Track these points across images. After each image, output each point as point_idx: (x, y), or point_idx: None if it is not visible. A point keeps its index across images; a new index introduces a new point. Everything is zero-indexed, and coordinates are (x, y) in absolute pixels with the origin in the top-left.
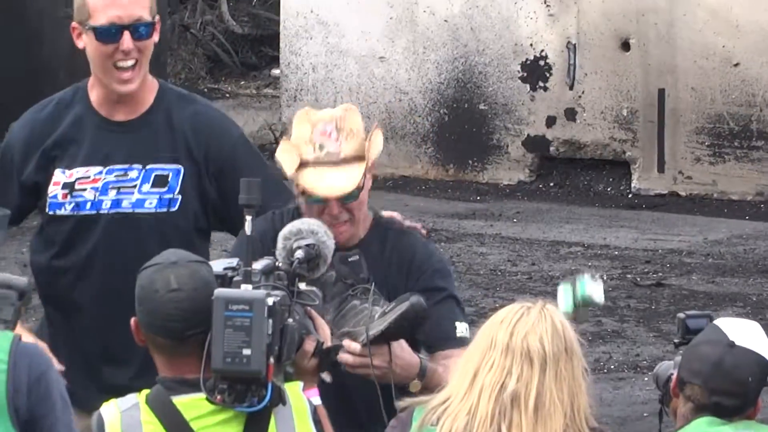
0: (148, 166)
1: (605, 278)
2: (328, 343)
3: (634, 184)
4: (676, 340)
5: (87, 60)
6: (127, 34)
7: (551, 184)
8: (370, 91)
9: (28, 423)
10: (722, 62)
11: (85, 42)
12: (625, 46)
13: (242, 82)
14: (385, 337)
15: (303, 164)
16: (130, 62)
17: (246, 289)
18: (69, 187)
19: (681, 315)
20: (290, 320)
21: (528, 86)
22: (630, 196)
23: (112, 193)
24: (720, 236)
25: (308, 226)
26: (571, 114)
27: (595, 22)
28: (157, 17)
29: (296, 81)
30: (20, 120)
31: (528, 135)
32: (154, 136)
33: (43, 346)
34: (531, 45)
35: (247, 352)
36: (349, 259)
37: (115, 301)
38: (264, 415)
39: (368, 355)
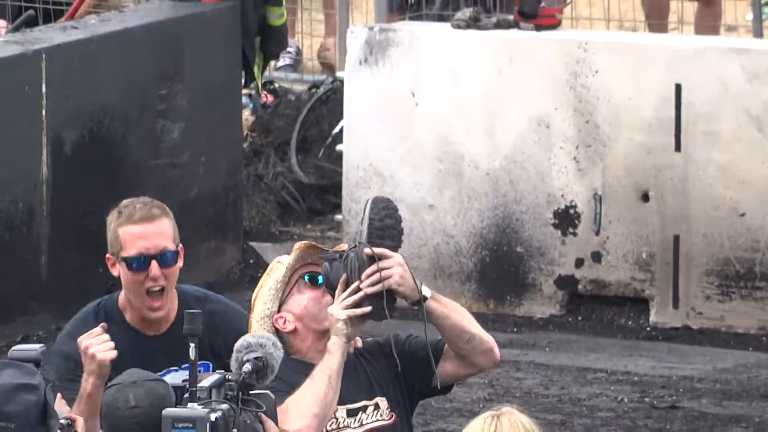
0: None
1: (626, 400)
2: None
3: (652, 318)
4: None
5: (173, 203)
6: (154, 263)
7: (579, 318)
8: (421, 235)
9: None
10: (730, 212)
11: (119, 270)
12: (645, 197)
13: (308, 226)
14: (379, 238)
15: None
16: (157, 288)
17: (191, 407)
18: None
19: None
20: (234, 431)
21: (559, 232)
22: (648, 329)
23: None
24: (727, 365)
25: (257, 340)
26: (597, 257)
27: (618, 176)
28: (180, 246)
29: (356, 225)
30: (71, 333)
31: (559, 275)
32: (183, 341)
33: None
34: (562, 195)
35: None
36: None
37: None
38: None
39: (377, 263)
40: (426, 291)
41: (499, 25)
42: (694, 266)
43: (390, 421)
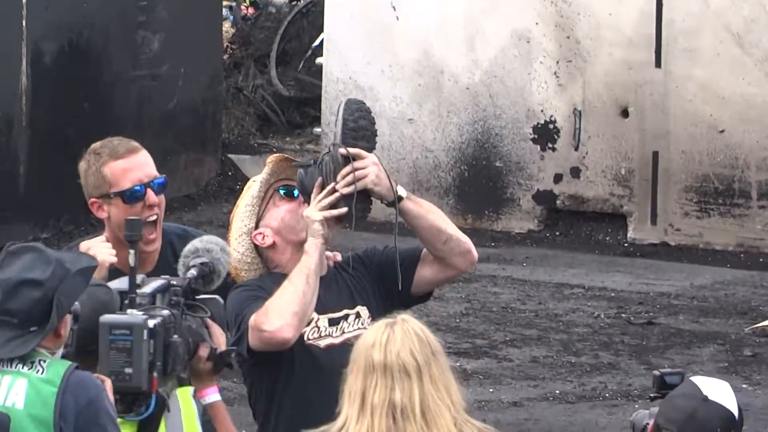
0: None
1: (603, 316)
2: (222, 348)
3: (630, 234)
4: (651, 394)
5: (152, 114)
6: (150, 191)
7: (557, 234)
8: (400, 149)
9: None
10: (709, 129)
11: (109, 211)
12: (624, 113)
13: (288, 139)
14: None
15: None
16: (154, 217)
17: (129, 314)
18: None
19: (657, 372)
20: (175, 336)
21: (538, 147)
22: (626, 245)
23: None
24: (704, 282)
25: (204, 245)
26: (575, 172)
27: (599, 91)
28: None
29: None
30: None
31: (537, 190)
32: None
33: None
34: (542, 111)
35: (129, 370)
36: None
37: None
38: (154, 420)
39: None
40: (401, 191)
41: None
42: (673, 182)
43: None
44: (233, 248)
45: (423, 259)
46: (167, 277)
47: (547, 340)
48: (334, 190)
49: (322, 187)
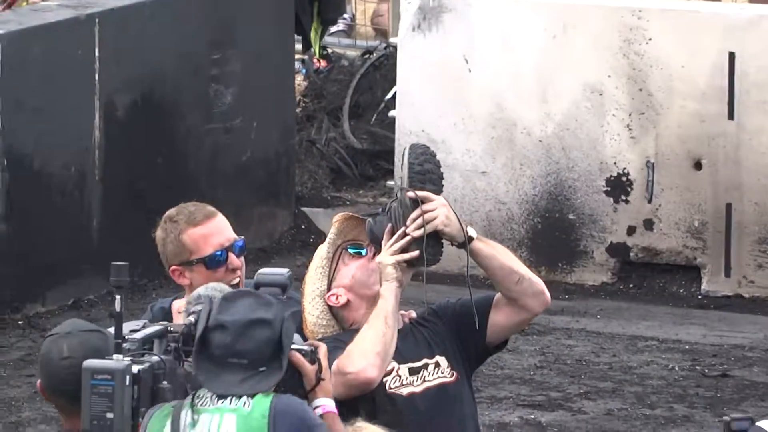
0: None
1: (677, 369)
2: None
3: (704, 286)
4: None
5: (225, 167)
6: (232, 255)
7: (630, 286)
8: (473, 202)
9: None
10: None
11: (191, 278)
12: (697, 165)
13: (361, 191)
14: (420, 183)
15: None
16: (236, 279)
17: (115, 359)
18: None
19: (726, 418)
20: (164, 383)
21: (611, 199)
22: (700, 297)
23: None
24: None
25: (207, 292)
26: (648, 224)
27: (671, 144)
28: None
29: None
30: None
31: (611, 242)
32: None
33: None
34: (615, 163)
35: (110, 415)
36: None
37: None
38: None
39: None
40: (472, 232)
41: None
42: (746, 234)
43: (452, 378)
44: (308, 312)
45: (496, 305)
46: (165, 323)
47: (622, 393)
48: (404, 234)
49: (393, 233)
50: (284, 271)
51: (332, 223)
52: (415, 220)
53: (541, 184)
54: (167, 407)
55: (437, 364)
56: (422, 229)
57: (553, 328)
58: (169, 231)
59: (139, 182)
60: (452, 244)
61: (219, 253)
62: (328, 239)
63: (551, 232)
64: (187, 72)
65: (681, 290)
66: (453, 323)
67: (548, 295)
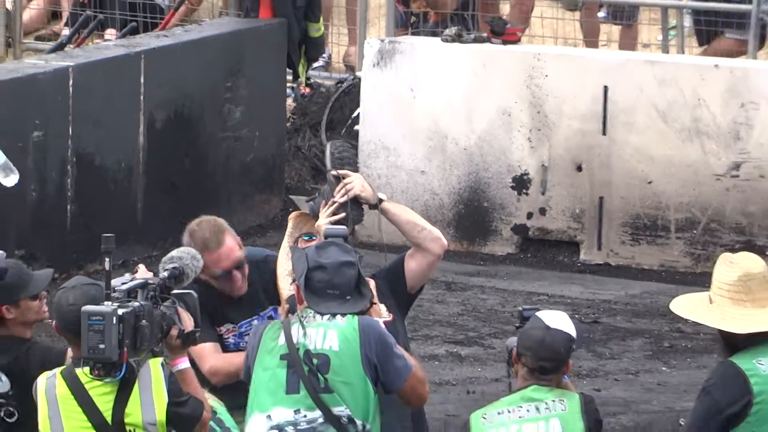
0: (260, 314)
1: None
2: (189, 329)
3: (582, 257)
4: (516, 325)
5: (235, 166)
6: (235, 272)
7: (528, 256)
8: (414, 193)
9: (376, 366)
10: (641, 181)
11: (207, 277)
12: (579, 168)
13: None
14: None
15: None
16: (244, 291)
17: (105, 305)
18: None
19: (519, 308)
20: (143, 322)
21: (516, 192)
22: (579, 265)
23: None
24: (635, 291)
25: (178, 254)
26: (542, 211)
27: (560, 152)
28: (239, 241)
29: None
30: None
31: (515, 224)
32: (256, 294)
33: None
34: (519, 166)
35: (102, 346)
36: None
37: None
38: (129, 381)
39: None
40: (382, 195)
41: (476, 40)
42: (614, 219)
43: (390, 318)
44: (282, 286)
45: (409, 257)
46: (146, 277)
47: None
48: (333, 203)
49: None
50: (343, 228)
51: (288, 219)
52: (339, 191)
53: (464, 181)
54: (276, 323)
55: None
56: (345, 196)
57: (471, 285)
58: (191, 245)
59: (172, 176)
60: (370, 207)
61: (224, 273)
62: (287, 232)
63: (471, 216)
64: (207, 95)
65: (565, 259)
66: (385, 280)
67: (444, 240)
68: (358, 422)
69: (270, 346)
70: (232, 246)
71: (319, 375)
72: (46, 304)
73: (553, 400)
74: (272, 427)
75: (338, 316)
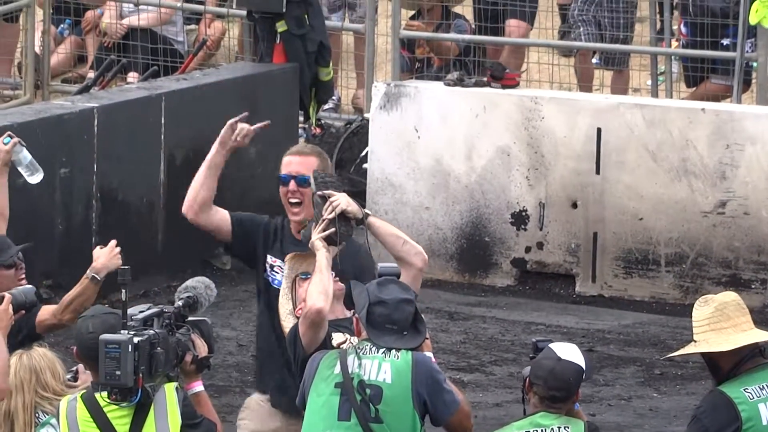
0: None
1: None
2: (203, 355)
3: (577, 289)
4: (530, 356)
5: (250, 203)
6: (292, 182)
7: (527, 287)
8: (419, 228)
9: (425, 401)
10: (632, 217)
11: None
12: (574, 205)
13: None
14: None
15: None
16: (295, 200)
17: (122, 333)
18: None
19: (533, 339)
20: (158, 349)
21: (515, 228)
22: (574, 296)
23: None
24: (627, 322)
25: (192, 283)
26: (540, 245)
27: (556, 190)
28: (323, 171)
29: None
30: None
31: (514, 257)
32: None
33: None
34: (517, 203)
35: (118, 372)
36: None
37: None
38: (145, 405)
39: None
40: (368, 211)
41: (477, 84)
42: (607, 253)
43: None
44: (285, 326)
45: None
46: (161, 306)
47: (519, 360)
48: (323, 221)
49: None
50: (395, 265)
51: (285, 260)
52: (326, 208)
53: (466, 217)
54: (333, 353)
55: None
56: (333, 213)
57: (473, 315)
58: None
59: None
60: (357, 223)
61: (284, 176)
62: (284, 274)
63: (473, 249)
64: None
65: (561, 291)
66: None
67: (425, 255)
68: None
69: (326, 374)
70: (309, 164)
71: (371, 405)
72: (23, 273)
73: (559, 427)
74: None
75: (393, 350)
